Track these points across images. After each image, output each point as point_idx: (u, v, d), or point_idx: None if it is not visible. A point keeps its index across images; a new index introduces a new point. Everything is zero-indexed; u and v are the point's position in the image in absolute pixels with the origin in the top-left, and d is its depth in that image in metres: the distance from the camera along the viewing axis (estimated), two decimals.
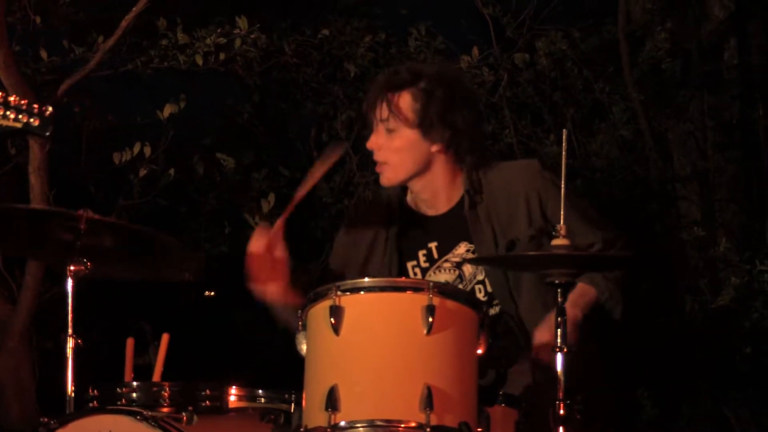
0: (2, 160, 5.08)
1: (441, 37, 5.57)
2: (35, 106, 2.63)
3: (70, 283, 2.90)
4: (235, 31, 5.12)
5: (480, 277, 3.26)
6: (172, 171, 5.05)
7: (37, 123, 2.63)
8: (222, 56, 5.10)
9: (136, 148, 4.94)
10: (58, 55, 5.05)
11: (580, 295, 3.09)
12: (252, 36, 5.14)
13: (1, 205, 3.44)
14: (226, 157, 5.44)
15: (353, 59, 5.59)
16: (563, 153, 2.81)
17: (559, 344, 2.76)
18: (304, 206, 5.86)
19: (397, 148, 3.21)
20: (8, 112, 2.61)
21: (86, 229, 2.88)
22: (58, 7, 5.12)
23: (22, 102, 2.62)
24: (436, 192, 3.28)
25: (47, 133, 2.63)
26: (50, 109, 2.65)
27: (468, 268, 3.27)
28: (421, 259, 3.30)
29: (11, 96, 2.61)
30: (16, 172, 4.97)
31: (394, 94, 3.20)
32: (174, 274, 3.21)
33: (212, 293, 6.88)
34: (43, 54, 5.02)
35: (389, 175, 3.26)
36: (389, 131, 3.21)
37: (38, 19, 4.90)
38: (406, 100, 3.19)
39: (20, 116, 2.61)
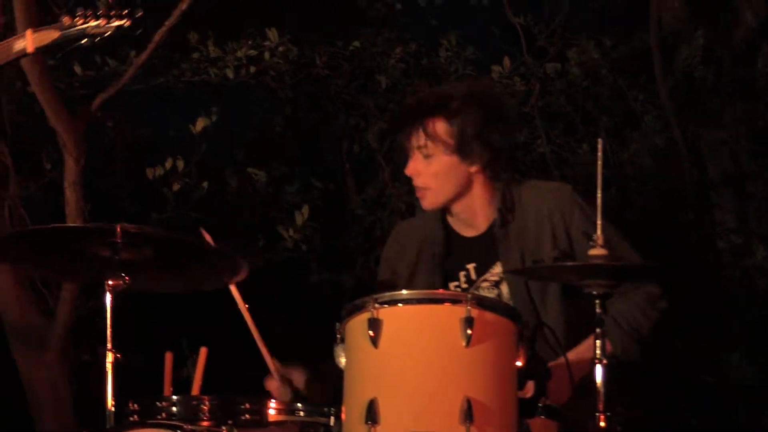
0: (37, 175, 5.11)
1: (471, 48, 5.57)
2: (125, 11, 2.71)
3: (108, 297, 2.90)
4: (265, 43, 5.13)
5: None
6: (205, 184, 5.06)
7: (129, 23, 2.70)
8: (252, 69, 5.11)
9: (169, 164, 4.96)
10: (92, 69, 5.08)
11: (590, 350, 2.94)
12: (282, 48, 5.15)
13: (35, 227, 3.44)
14: (258, 171, 5.45)
15: (384, 71, 5.60)
16: (598, 162, 2.78)
17: (598, 356, 2.75)
18: (336, 218, 5.89)
19: (436, 173, 3.18)
20: (99, 21, 2.68)
21: (124, 243, 2.87)
22: None
23: (111, 12, 2.70)
24: (475, 211, 3.26)
25: (138, 32, 2.69)
26: (141, 12, 2.71)
27: (504, 288, 3.24)
28: (462, 279, 3.28)
29: (99, 6, 2.69)
30: (52, 187, 4.99)
31: (428, 120, 3.17)
32: (215, 282, 3.20)
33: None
34: (77, 69, 5.05)
35: (431, 200, 3.24)
36: (427, 157, 3.19)
37: None
38: (441, 126, 3.16)
39: (111, 21, 2.69)
